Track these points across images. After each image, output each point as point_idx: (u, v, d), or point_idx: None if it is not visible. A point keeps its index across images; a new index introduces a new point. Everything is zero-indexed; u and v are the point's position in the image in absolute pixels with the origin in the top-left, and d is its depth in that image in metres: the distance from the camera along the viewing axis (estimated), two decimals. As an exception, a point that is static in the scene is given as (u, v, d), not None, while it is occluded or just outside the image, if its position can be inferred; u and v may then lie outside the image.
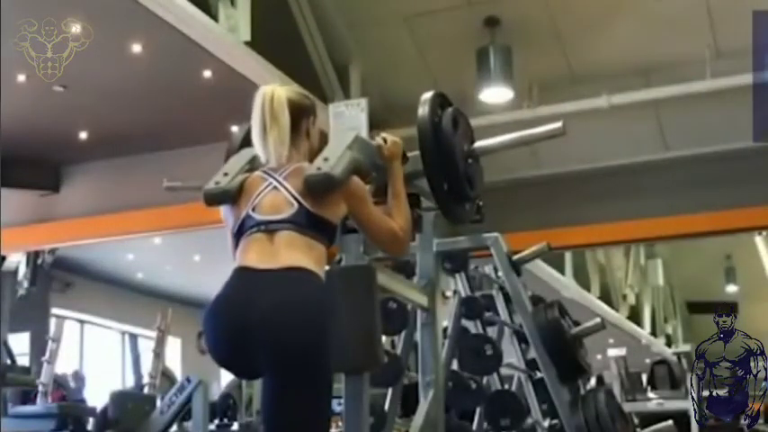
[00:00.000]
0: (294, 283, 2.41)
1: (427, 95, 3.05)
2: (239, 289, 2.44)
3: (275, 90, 2.63)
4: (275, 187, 2.55)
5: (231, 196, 2.59)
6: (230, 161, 2.73)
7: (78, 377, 10.36)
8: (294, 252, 2.45)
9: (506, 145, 3.28)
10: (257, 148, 2.62)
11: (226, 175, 2.63)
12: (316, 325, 2.39)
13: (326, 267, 2.59)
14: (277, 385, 2.40)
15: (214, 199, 2.62)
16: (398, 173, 2.82)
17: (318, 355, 2.38)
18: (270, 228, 2.49)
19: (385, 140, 2.86)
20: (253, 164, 2.68)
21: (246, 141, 2.76)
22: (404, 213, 2.73)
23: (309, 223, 2.49)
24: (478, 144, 3.19)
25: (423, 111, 3.01)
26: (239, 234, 2.54)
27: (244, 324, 2.37)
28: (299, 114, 2.66)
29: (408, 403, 4.52)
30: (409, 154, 2.95)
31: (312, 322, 2.38)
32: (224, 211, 2.63)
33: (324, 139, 2.77)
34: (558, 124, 3.15)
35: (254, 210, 2.53)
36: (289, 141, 2.61)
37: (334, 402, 2.71)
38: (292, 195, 2.51)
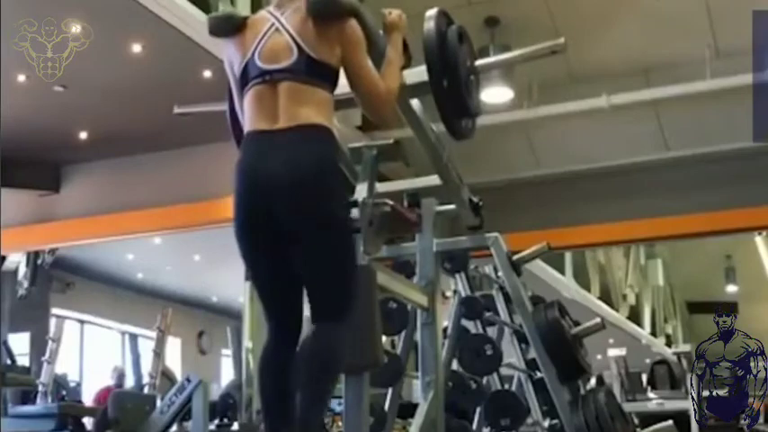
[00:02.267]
0: (306, 143, 2.42)
1: (432, 11, 3.07)
2: (254, 156, 2.45)
3: None
4: (277, 29, 2.52)
5: (235, 25, 2.56)
6: None
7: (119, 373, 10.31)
8: (300, 106, 2.45)
9: (507, 61, 3.31)
10: None
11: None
12: (331, 184, 2.45)
13: None
14: (306, 250, 2.44)
15: (219, 25, 2.60)
16: (397, 42, 2.79)
17: (338, 214, 2.49)
18: (273, 78, 2.47)
19: (390, 13, 2.85)
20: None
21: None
22: (394, 78, 2.70)
23: (311, 70, 2.47)
24: (480, 61, 3.22)
25: (429, 23, 3.03)
26: (244, 80, 2.52)
27: (263, 193, 2.41)
28: None
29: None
30: (415, 69, 2.94)
31: (327, 183, 2.44)
32: (228, 49, 2.59)
33: None
34: (561, 40, 3.18)
35: (257, 55, 2.51)
36: None
37: (334, 402, 2.71)
38: (293, 40, 2.49)
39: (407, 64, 2.91)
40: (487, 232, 4.40)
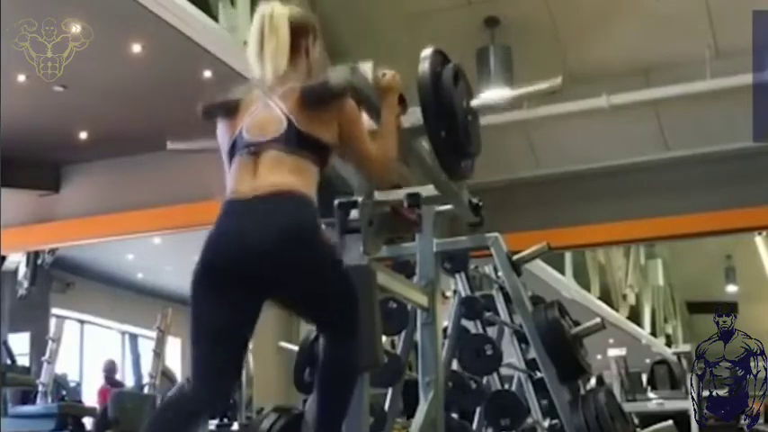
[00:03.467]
0: (281, 207, 2.39)
1: (427, 51, 3.06)
2: (229, 225, 2.42)
3: (275, 7, 2.58)
4: (268, 105, 2.51)
5: (227, 108, 2.57)
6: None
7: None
8: (278, 173, 2.41)
9: (506, 101, 3.30)
10: (252, 62, 2.57)
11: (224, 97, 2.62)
12: (311, 248, 2.41)
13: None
14: (302, 294, 2.47)
15: (211, 110, 2.61)
16: (393, 105, 2.79)
17: (322, 267, 2.45)
18: (258, 149, 2.46)
19: (384, 75, 2.84)
20: (251, 90, 2.63)
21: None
22: (392, 143, 2.70)
23: (299, 142, 2.45)
24: (477, 101, 3.21)
25: (423, 65, 3.01)
26: (231, 155, 2.52)
27: (237, 261, 2.37)
28: (299, 32, 2.61)
29: (408, 403, 4.51)
30: (410, 110, 2.94)
31: (307, 248, 2.39)
32: (220, 129, 2.60)
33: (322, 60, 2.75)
34: (558, 80, 3.17)
35: (245, 130, 2.50)
36: (287, 56, 2.55)
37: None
38: (283, 113, 2.47)
39: (404, 111, 2.90)
40: (487, 232, 4.40)
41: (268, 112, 2.49)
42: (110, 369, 10.02)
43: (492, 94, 7.55)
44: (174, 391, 2.50)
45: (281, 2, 2.63)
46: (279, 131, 2.45)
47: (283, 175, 2.41)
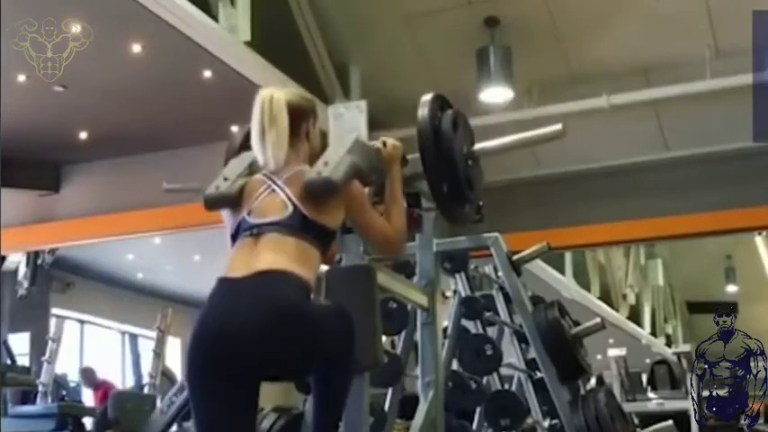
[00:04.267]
0: (267, 288, 2.35)
1: (427, 97, 3.05)
2: (215, 301, 2.39)
3: (274, 93, 2.60)
4: (273, 190, 2.53)
5: (231, 200, 2.57)
6: (230, 164, 2.71)
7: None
8: (277, 254, 2.40)
9: (506, 147, 3.28)
10: (256, 151, 2.59)
11: (226, 179, 2.61)
12: (300, 324, 2.36)
13: (324, 267, 2.58)
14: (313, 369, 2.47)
15: (214, 203, 2.61)
16: (397, 176, 2.81)
17: (315, 339, 2.39)
18: (260, 231, 2.46)
19: (384, 144, 2.85)
20: (253, 167, 2.66)
21: (246, 142, 2.75)
22: (400, 217, 2.73)
23: (303, 227, 2.46)
24: (478, 146, 3.19)
25: (422, 113, 3.00)
26: (234, 239, 2.53)
27: (223, 345, 2.31)
28: (299, 117, 2.64)
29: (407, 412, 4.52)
30: (409, 156, 2.95)
31: (296, 325, 2.35)
32: (224, 214, 2.62)
33: (324, 139, 2.77)
34: (558, 126, 3.15)
35: (249, 213, 2.51)
36: (287, 144, 2.58)
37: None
38: (289, 199, 2.49)
39: (405, 165, 2.90)
40: (487, 232, 4.40)
41: (273, 197, 2.51)
42: (86, 377, 10.03)
43: (492, 93, 7.57)
44: None
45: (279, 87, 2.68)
46: (283, 215, 2.47)
47: (281, 256, 2.40)
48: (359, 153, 2.69)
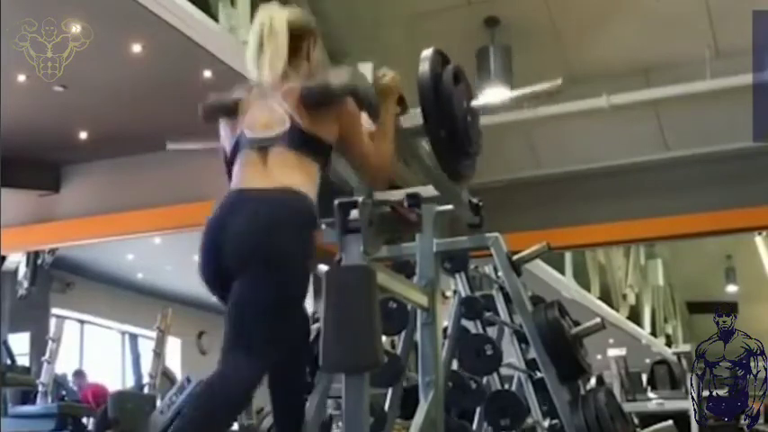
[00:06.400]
0: (280, 203, 2.41)
1: (427, 52, 3.06)
2: (226, 210, 2.46)
3: (274, 11, 2.60)
4: (270, 104, 2.52)
5: (228, 108, 2.58)
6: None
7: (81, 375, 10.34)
8: (287, 171, 2.44)
9: (506, 103, 3.31)
10: (251, 66, 2.58)
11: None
12: (285, 239, 2.39)
13: (324, 267, 2.58)
14: (239, 285, 2.39)
15: (211, 112, 2.63)
16: (392, 107, 2.80)
17: (279, 264, 2.38)
18: (262, 145, 2.48)
19: (384, 75, 2.85)
20: (250, 90, 2.64)
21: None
22: (388, 143, 2.72)
23: (302, 141, 2.47)
24: (478, 102, 3.20)
25: (423, 66, 3.00)
26: (234, 152, 2.54)
27: (222, 243, 2.40)
28: (299, 35, 2.62)
29: (408, 405, 4.52)
30: (410, 112, 2.94)
31: (283, 237, 2.39)
32: (222, 132, 2.62)
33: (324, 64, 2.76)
34: (558, 81, 3.17)
35: (248, 128, 2.52)
36: (286, 57, 2.57)
37: (335, 402, 2.72)
38: (285, 112, 2.49)
39: (404, 111, 2.91)
40: (487, 232, 4.40)
41: (270, 111, 2.51)
42: (76, 380, 10.05)
43: (492, 93, 7.57)
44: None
45: (280, 5, 2.64)
46: (282, 129, 2.47)
47: (293, 173, 2.44)
48: (357, 77, 2.69)
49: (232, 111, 2.57)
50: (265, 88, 2.56)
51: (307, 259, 2.45)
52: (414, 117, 2.97)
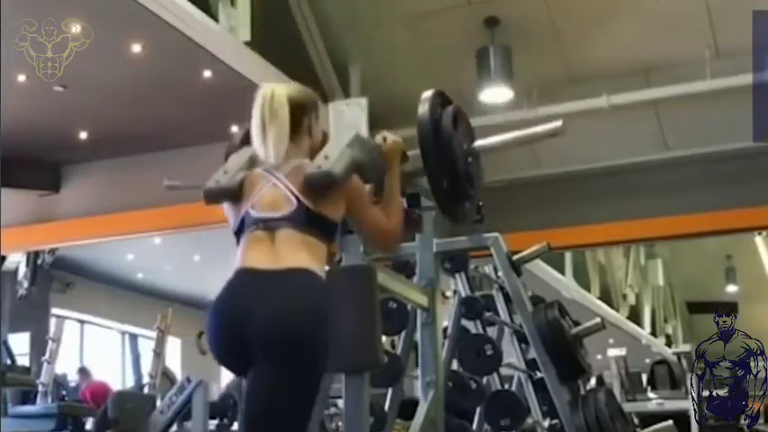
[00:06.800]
0: (296, 287, 2.40)
1: (428, 94, 3.04)
2: (240, 292, 2.43)
3: (275, 88, 2.61)
4: (275, 184, 2.54)
5: (231, 193, 2.58)
6: (230, 159, 2.71)
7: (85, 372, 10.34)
8: (295, 252, 2.44)
9: (506, 143, 3.27)
10: (256, 145, 2.60)
11: (225, 173, 2.61)
12: (314, 327, 2.38)
13: (326, 267, 2.58)
14: (262, 372, 2.37)
15: (214, 197, 2.61)
16: (396, 171, 2.81)
17: (311, 353, 2.38)
18: (269, 225, 2.48)
19: (385, 140, 2.85)
20: (253, 162, 2.65)
21: (246, 140, 2.75)
22: (397, 213, 2.74)
23: (309, 221, 2.48)
24: (478, 143, 3.18)
25: (423, 109, 2.98)
26: (240, 232, 2.54)
27: (243, 328, 2.36)
28: (300, 111, 2.64)
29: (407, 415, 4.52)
30: (410, 153, 2.94)
31: (311, 326, 2.38)
32: (225, 209, 2.62)
33: (325, 139, 2.77)
34: (558, 123, 3.14)
35: (253, 207, 2.52)
36: (288, 138, 2.59)
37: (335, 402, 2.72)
38: (292, 193, 2.50)
39: (405, 161, 2.90)
40: (487, 232, 4.40)
41: (275, 191, 2.52)
42: (81, 376, 10.07)
43: (492, 93, 7.57)
44: None
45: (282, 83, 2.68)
46: (289, 209, 2.49)
47: (300, 253, 2.44)
48: (359, 147, 2.68)
49: (236, 195, 2.58)
50: (270, 167, 2.58)
51: (328, 344, 2.45)
52: (414, 161, 2.96)
